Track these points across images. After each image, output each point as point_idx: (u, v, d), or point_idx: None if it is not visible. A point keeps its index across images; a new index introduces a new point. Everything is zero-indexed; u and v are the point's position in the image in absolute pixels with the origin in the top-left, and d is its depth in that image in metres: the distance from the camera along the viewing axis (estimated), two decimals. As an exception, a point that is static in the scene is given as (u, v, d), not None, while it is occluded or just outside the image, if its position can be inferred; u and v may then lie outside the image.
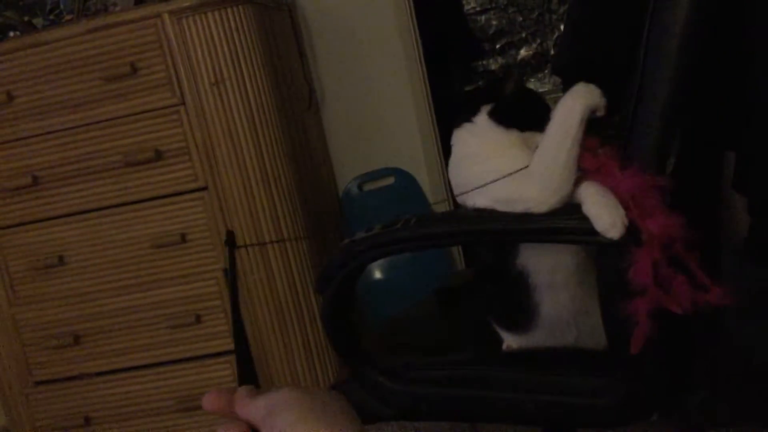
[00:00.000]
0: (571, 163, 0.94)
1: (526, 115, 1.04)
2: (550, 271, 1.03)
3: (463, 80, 4.16)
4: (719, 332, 1.15)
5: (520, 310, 1.06)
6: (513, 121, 1.04)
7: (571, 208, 0.92)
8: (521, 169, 0.97)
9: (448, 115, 1.18)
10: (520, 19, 4.13)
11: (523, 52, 4.15)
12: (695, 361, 1.08)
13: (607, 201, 0.89)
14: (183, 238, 2.00)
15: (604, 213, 0.88)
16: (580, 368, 1.03)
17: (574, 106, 0.96)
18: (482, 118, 1.07)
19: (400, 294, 2.32)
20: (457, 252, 2.58)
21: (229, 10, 1.90)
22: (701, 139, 1.01)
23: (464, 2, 4.13)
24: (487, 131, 1.06)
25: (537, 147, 0.98)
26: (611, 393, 0.98)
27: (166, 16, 1.89)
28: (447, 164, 1.13)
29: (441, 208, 2.55)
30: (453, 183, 1.11)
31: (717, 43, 0.93)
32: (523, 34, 4.15)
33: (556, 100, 1.00)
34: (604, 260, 0.94)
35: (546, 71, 4.06)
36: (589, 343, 1.05)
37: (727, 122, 1.09)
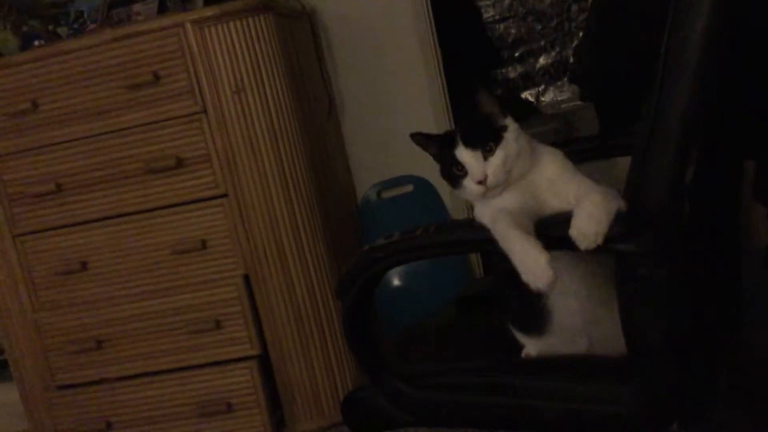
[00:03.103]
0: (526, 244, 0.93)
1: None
2: (561, 278, 1.03)
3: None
4: (740, 341, 1.15)
5: (534, 313, 1.07)
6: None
7: None
8: None
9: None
10: (539, 27, 4.13)
11: (541, 61, 4.15)
12: (716, 370, 1.08)
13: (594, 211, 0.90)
14: (203, 245, 2.02)
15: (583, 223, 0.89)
16: (599, 376, 1.03)
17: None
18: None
19: (418, 301, 2.32)
20: (475, 259, 2.58)
21: (250, 19, 1.92)
22: (721, 148, 1.01)
23: (483, 11, 4.14)
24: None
25: None
26: (631, 401, 0.98)
27: (188, 26, 1.91)
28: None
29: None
30: None
31: (737, 52, 0.93)
32: (542, 43, 4.14)
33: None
34: (623, 268, 0.94)
35: (565, 79, 4.05)
36: (601, 352, 1.05)
37: (747, 131, 1.09)
